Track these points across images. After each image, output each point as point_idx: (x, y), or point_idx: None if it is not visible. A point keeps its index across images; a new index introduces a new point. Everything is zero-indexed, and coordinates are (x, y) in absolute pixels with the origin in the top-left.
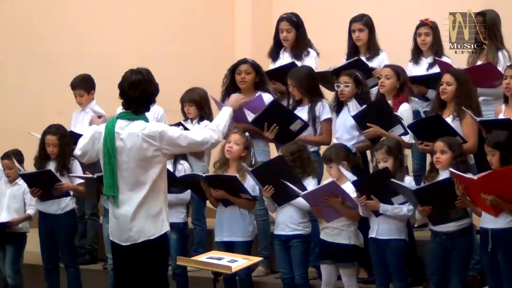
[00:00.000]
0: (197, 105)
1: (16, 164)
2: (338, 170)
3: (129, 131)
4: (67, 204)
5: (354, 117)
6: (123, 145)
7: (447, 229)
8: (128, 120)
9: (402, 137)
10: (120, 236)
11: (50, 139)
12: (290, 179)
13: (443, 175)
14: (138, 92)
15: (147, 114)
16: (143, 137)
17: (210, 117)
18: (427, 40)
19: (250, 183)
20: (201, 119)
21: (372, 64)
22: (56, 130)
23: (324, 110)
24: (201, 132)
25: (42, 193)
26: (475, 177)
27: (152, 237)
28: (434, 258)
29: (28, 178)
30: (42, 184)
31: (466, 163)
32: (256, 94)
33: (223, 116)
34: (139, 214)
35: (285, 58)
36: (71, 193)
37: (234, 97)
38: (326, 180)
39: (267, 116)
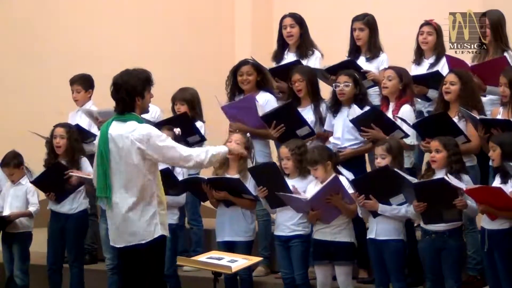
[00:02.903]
0: (189, 104)
1: (27, 172)
2: (324, 171)
3: (120, 133)
4: (80, 203)
5: (351, 121)
6: (114, 147)
7: (437, 228)
8: (121, 122)
9: (404, 139)
10: (114, 237)
11: (58, 130)
12: (281, 186)
13: (439, 174)
14: (117, 95)
15: (146, 114)
16: (132, 139)
17: (201, 118)
18: (429, 39)
19: (252, 184)
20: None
21: (371, 65)
22: (65, 123)
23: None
24: (189, 148)
25: (57, 194)
26: (464, 187)
27: (143, 241)
28: (426, 258)
29: (40, 182)
30: (54, 183)
31: (461, 163)
32: (266, 94)
33: (217, 148)
34: (130, 217)
35: (289, 59)
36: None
37: (237, 147)
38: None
39: (278, 115)
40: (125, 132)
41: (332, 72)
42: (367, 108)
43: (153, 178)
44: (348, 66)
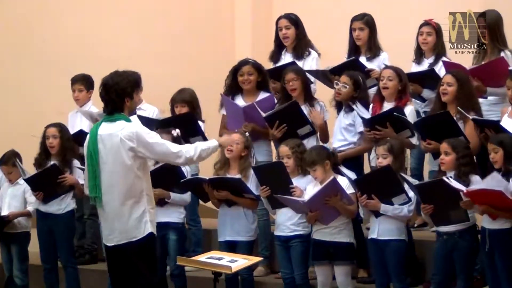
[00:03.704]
0: (189, 105)
1: (19, 167)
2: (323, 171)
3: (109, 132)
4: (67, 204)
5: (366, 121)
6: (103, 147)
7: (448, 229)
8: (110, 122)
9: (410, 138)
10: (105, 236)
11: (50, 131)
12: (286, 186)
13: (449, 176)
14: (107, 95)
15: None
16: (121, 137)
17: (200, 118)
18: (428, 40)
19: (253, 183)
20: None
21: (372, 64)
22: (57, 123)
23: (324, 111)
24: (178, 145)
25: (45, 194)
26: (464, 189)
27: (134, 239)
28: (437, 258)
29: (33, 180)
30: (46, 184)
31: (471, 165)
32: (267, 95)
33: (207, 143)
34: (120, 216)
35: (287, 59)
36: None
37: (228, 139)
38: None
39: (281, 115)
40: (114, 131)
41: (336, 72)
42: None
43: (143, 176)
44: (352, 66)
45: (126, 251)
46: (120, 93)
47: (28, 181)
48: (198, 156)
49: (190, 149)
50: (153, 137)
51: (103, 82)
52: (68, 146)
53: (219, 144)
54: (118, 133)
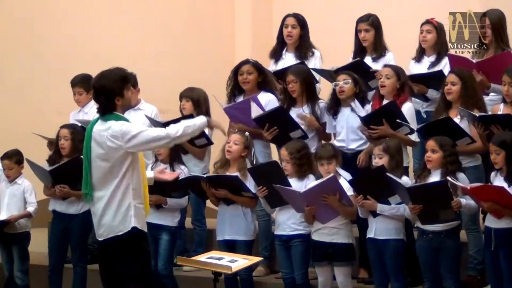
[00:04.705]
0: (194, 102)
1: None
2: (336, 165)
3: (100, 131)
4: (84, 204)
5: (362, 118)
6: (95, 144)
7: (434, 228)
8: (103, 121)
9: (409, 136)
10: (96, 231)
11: (63, 132)
12: (282, 184)
13: (435, 174)
14: (97, 99)
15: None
16: (108, 136)
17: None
18: (428, 38)
19: (252, 182)
20: None
21: (377, 65)
22: (70, 124)
23: (323, 112)
24: (161, 129)
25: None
26: (468, 187)
27: (120, 233)
28: (424, 258)
29: (56, 172)
30: (68, 177)
31: (457, 164)
32: (268, 95)
33: (192, 120)
34: (108, 211)
35: (288, 58)
36: None
37: (218, 123)
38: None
39: (270, 118)
40: (103, 130)
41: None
42: (368, 106)
43: (130, 172)
44: (357, 67)
45: (112, 246)
46: (108, 95)
47: (52, 172)
48: (183, 131)
49: (173, 128)
50: (136, 129)
51: (92, 85)
52: (80, 147)
53: (207, 121)
54: (105, 133)
